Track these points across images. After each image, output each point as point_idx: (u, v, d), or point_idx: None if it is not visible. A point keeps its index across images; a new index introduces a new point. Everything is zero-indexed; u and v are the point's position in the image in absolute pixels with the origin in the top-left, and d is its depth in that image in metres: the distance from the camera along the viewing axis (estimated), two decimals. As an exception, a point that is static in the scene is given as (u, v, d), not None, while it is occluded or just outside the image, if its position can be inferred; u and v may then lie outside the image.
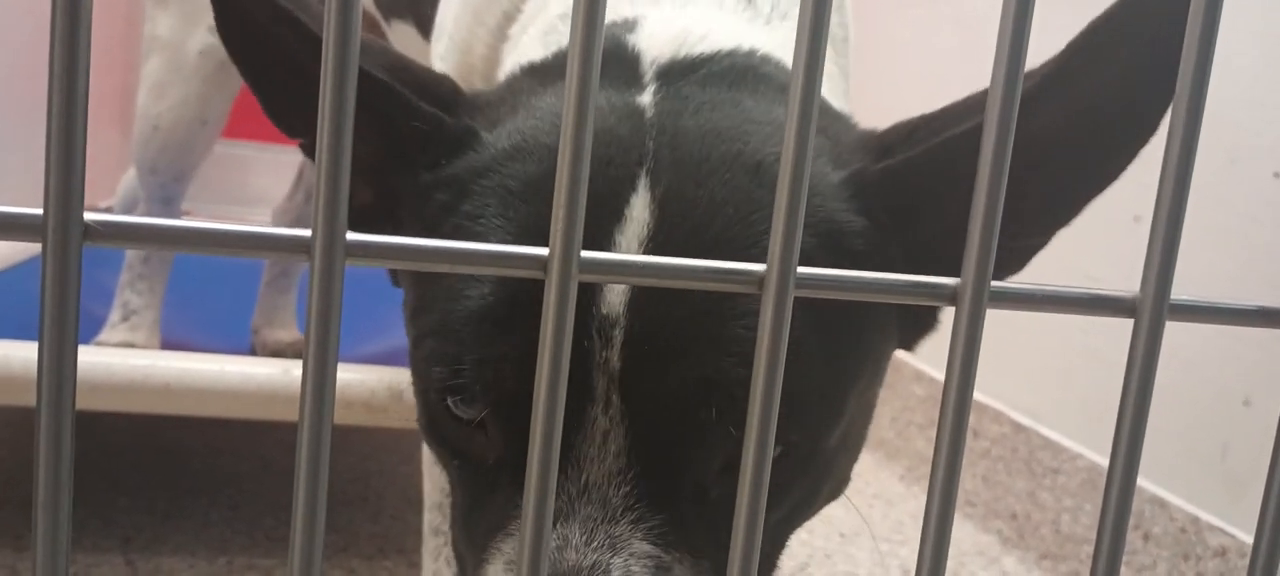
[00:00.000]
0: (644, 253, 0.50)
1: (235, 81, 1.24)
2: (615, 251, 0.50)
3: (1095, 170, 0.53)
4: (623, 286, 0.50)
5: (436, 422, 0.56)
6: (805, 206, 0.30)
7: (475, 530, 0.54)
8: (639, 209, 0.51)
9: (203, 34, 1.21)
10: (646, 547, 0.48)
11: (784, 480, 0.54)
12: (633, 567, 0.47)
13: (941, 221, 0.55)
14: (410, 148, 0.57)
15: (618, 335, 0.49)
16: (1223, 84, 1.15)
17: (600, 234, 0.51)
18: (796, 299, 0.53)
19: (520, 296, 0.50)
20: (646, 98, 0.59)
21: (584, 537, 0.48)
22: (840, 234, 0.54)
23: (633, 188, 0.52)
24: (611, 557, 0.47)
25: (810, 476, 0.56)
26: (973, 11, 1.68)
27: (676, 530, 0.50)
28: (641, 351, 0.49)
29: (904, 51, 1.85)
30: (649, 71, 0.61)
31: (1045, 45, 0.62)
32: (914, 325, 0.62)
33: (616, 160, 0.53)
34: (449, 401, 0.53)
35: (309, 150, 0.69)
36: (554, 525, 0.48)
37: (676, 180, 0.53)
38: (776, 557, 0.60)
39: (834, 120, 0.62)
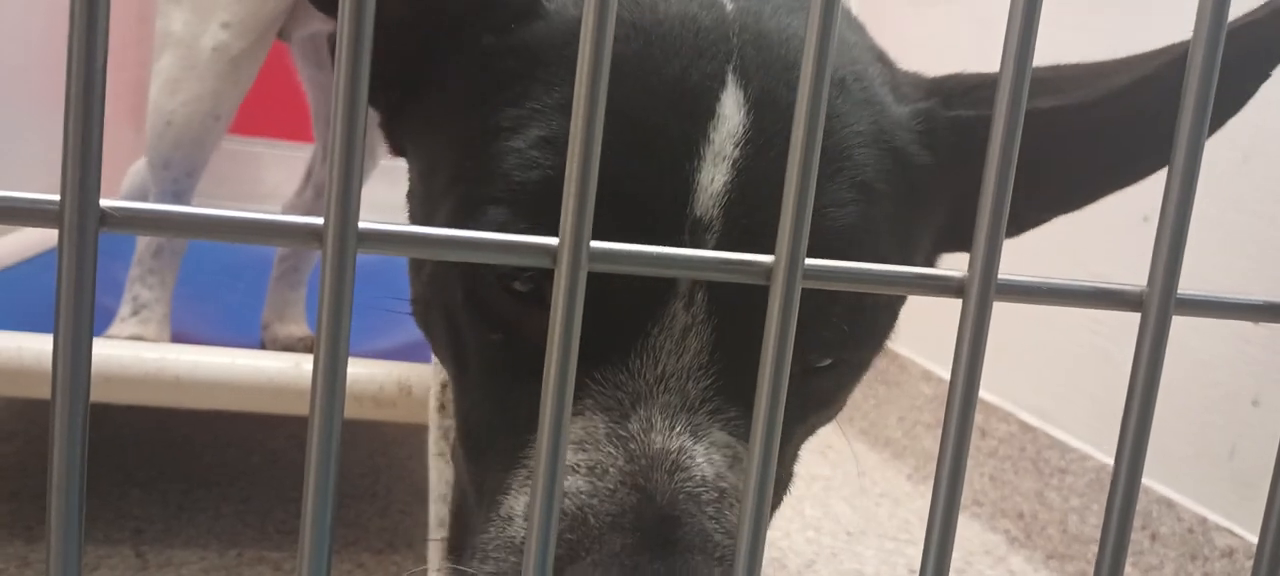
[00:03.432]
0: (739, 153, 0.50)
1: (247, 78, 1.25)
2: (711, 147, 0.50)
3: (1111, 175, 0.59)
4: (720, 184, 0.50)
5: (483, 297, 0.52)
6: (814, 193, 0.30)
7: (520, 411, 0.52)
8: (731, 107, 0.51)
9: (215, 30, 1.21)
10: (725, 437, 0.49)
11: (828, 388, 0.56)
12: (713, 455, 0.47)
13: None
14: (466, 7, 0.56)
15: (710, 239, 0.49)
16: (1234, 84, 1.15)
17: (696, 129, 0.50)
18: (877, 217, 0.55)
19: (604, 154, 0.49)
20: None
21: (666, 422, 0.48)
22: (907, 164, 0.57)
23: (722, 84, 0.52)
24: (694, 444, 0.47)
25: (845, 391, 0.58)
26: (990, 11, 1.68)
27: (747, 425, 0.50)
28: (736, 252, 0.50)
29: (921, 51, 1.85)
30: None
31: (1059, 41, 0.64)
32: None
33: (706, 52, 0.53)
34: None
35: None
36: (634, 407, 0.48)
37: (767, 83, 0.53)
38: (790, 477, 0.61)
39: (883, 58, 0.63)
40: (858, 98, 0.56)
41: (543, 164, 0.50)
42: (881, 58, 0.64)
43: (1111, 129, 0.57)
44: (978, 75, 0.61)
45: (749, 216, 0.50)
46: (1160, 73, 0.54)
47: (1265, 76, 0.54)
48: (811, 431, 0.60)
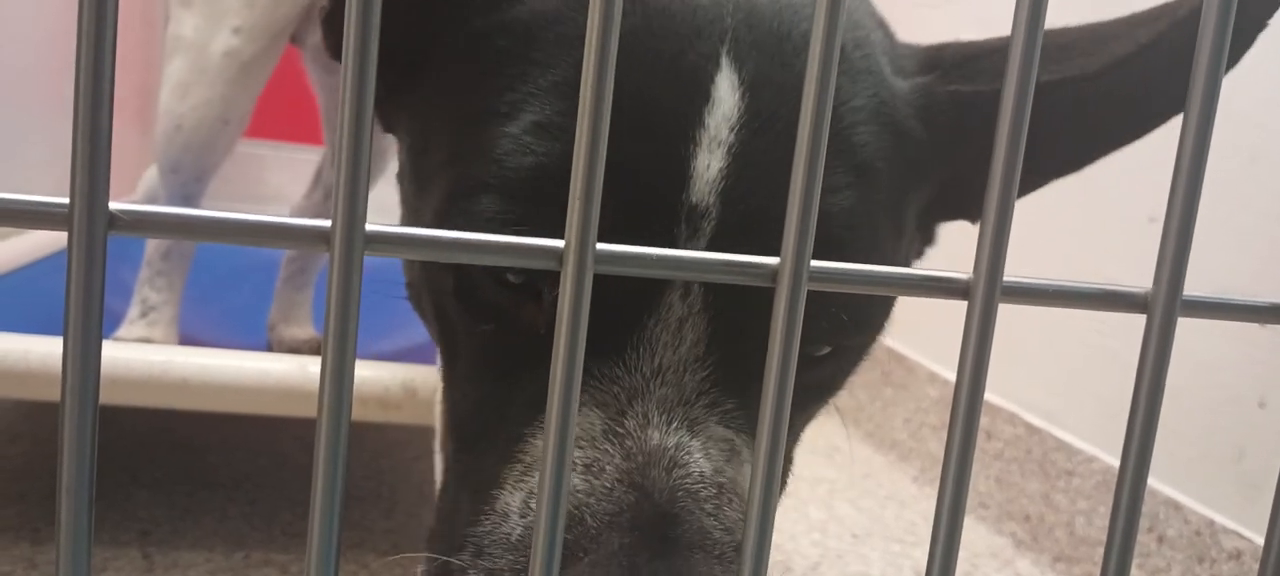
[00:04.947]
0: (734, 137, 0.49)
1: (257, 83, 1.25)
2: (706, 132, 0.49)
3: (1112, 137, 0.59)
4: (716, 170, 0.48)
5: (473, 288, 0.52)
6: (823, 168, 0.30)
7: (514, 404, 0.51)
8: (725, 89, 0.50)
9: (226, 35, 1.22)
10: (722, 431, 0.48)
11: (827, 376, 0.56)
12: (711, 449, 0.47)
13: (983, 159, 0.59)
14: None
15: (707, 226, 0.48)
16: (1244, 84, 1.15)
17: (691, 112, 0.49)
18: (874, 199, 0.54)
19: None
20: None
21: (663, 417, 0.47)
22: (904, 139, 0.56)
23: (717, 65, 0.51)
24: (691, 438, 0.46)
25: (845, 376, 0.58)
26: (991, 12, 1.68)
27: (745, 416, 0.50)
28: (733, 241, 0.48)
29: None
30: None
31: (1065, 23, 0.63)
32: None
33: (703, 32, 0.52)
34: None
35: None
36: (630, 403, 0.47)
37: (762, 62, 0.52)
38: (790, 463, 0.61)
39: (883, 23, 0.63)
40: (859, 66, 0.55)
41: (536, 150, 0.49)
42: (882, 23, 0.64)
43: (1114, 94, 0.57)
44: (973, 44, 0.61)
45: (746, 203, 0.49)
46: (1166, 34, 0.54)
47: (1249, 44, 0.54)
48: (811, 418, 0.60)
